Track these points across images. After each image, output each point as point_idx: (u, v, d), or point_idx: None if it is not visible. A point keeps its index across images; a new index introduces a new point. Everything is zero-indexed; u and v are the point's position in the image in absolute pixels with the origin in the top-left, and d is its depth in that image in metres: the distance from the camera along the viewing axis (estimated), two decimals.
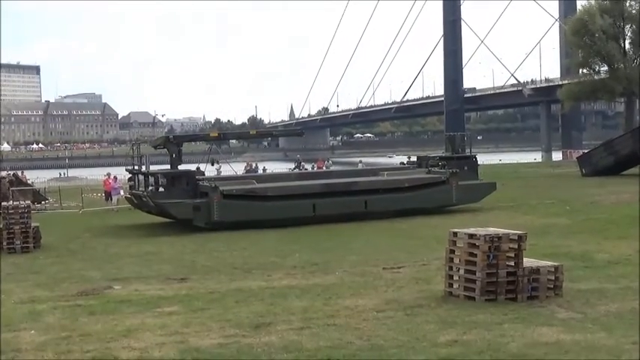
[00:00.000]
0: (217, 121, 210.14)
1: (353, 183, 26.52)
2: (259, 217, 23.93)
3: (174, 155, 25.59)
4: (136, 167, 26.52)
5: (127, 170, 28.69)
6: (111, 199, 33.98)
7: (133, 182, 27.13)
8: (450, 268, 11.42)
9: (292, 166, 58.11)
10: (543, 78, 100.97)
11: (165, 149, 26.08)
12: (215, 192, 24.08)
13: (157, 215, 25.87)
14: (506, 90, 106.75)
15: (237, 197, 24.41)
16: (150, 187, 24.98)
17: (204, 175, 26.73)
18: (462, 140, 30.86)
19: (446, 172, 27.02)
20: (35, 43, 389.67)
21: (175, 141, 26.56)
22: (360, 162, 66.94)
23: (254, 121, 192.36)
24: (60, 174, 64.10)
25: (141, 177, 25.89)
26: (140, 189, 25.65)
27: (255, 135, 42.30)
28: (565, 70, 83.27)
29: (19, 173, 43.95)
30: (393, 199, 25.68)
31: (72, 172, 73.91)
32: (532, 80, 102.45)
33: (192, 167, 29.01)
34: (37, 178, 52.28)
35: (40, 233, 20.65)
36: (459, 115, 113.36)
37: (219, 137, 34.00)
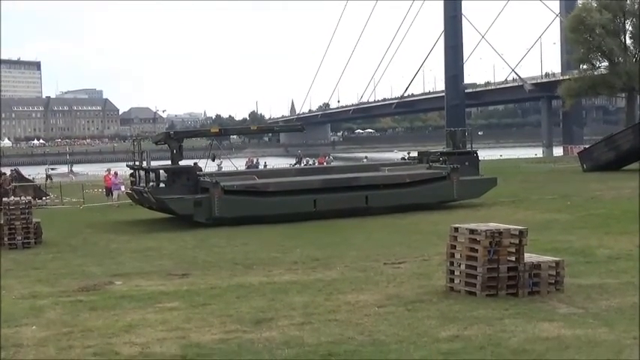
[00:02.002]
0: (218, 116, 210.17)
1: (354, 178, 26.52)
2: (260, 213, 23.93)
3: (175, 151, 25.59)
4: (137, 163, 26.52)
5: (127, 166, 28.70)
6: (111, 195, 33.99)
7: (133, 178, 27.15)
8: (451, 264, 11.41)
9: (293, 161, 58.27)
10: (544, 73, 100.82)
11: (166, 145, 26.10)
12: (216, 187, 24.08)
13: (157, 211, 25.87)
14: (507, 85, 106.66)
15: (238, 193, 24.42)
16: (151, 183, 24.98)
17: (201, 170, 26.75)
18: (463, 136, 30.79)
19: (447, 167, 26.99)
20: (36, 38, 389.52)
21: (176, 137, 26.57)
22: (366, 158, 66.99)
23: (255, 116, 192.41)
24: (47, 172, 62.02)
25: (142, 173, 25.89)
26: (141, 185, 25.65)
27: (256, 130, 42.27)
28: (566, 66, 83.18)
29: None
30: (393, 195, 25.66)
31: (73, 168, 73.91)
32: (533, 79, 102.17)
33: (191, 163, 28.87)
34: (38, 173, 52.29)
35: (41, 229, 20.64)
36: (459, 111, 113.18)
37: (220, 133, 33.98)
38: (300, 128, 42.23)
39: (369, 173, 27.83)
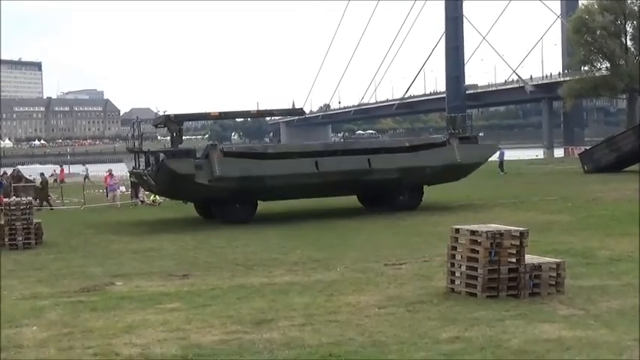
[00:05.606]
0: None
1: (355, 142, 26.32)
2: (261, 174, 23.76)
3: (174, 134, 25.35)
4: (137, 146, 26.24)
5: (127, 149, 28.39)
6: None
7: (133, 161, 26.86)
8: (452, 265, 11.41)
9: None
10: (545, 74, 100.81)
11: (166, 128, 25.88)
12: (214, 150, 23.99)
13: (157, 194, 25.55)
14: (508, 86, 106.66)
15: (237, 155, 24.34)
16: (150, 166, 24.80)
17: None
18: (464, 121, 29.89)
19: (444, 134, 26.59)
20: (37, 39, 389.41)
21: (176, 119, 26.19)
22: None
23: None
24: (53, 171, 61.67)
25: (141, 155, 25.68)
26: (141, 168, 25.47)
27: (256, 114, 42.05)
28: (567, 67, 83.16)
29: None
30: (396, 158, 25.43)
31: (73, 169, 73.93)
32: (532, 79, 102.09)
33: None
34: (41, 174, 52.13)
35: (41, 229, 20.63)
36: (460, 112, 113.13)
37: (221, 117, 33.82)
38: (300, 112, 42.56)
39: (369, 139, 27.61)
